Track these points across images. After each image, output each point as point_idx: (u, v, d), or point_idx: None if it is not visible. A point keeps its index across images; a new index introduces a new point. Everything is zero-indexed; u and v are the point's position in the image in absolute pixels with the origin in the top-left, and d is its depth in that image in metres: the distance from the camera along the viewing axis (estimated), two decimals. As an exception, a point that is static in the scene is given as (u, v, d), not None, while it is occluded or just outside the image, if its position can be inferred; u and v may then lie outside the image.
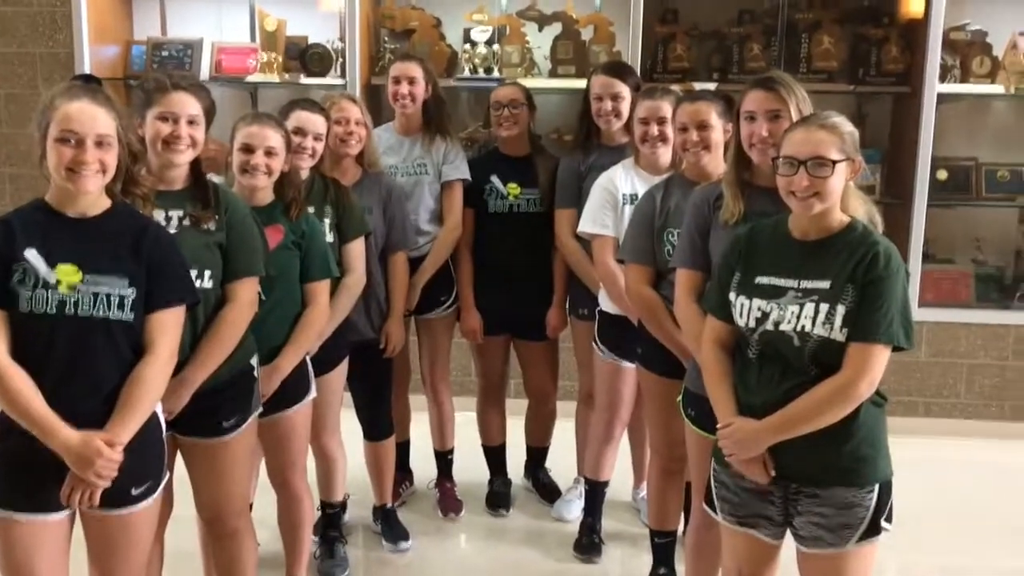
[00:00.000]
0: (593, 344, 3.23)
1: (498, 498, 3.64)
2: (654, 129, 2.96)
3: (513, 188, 3.44)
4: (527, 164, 3.48)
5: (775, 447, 2.02)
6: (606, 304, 3.14)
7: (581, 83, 4.42)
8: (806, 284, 2.00)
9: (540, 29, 4.58)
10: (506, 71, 4.53)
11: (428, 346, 3.60)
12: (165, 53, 4.63)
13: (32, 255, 1.91)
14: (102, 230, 1.97)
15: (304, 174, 2.83)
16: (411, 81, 3.39)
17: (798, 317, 1.98)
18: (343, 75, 4.45)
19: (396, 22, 4.61)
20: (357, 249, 2.93)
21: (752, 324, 2.04)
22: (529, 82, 4.42)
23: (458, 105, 4.74)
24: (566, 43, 4.53)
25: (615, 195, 3.04)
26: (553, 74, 4.56)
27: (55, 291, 1.90)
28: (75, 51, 4.42)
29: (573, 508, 3.53)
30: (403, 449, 3.65)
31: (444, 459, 3.68)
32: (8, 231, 1.94)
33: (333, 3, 4.66)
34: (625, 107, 3.24)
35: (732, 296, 2.10)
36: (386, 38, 4.62)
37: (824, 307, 1.97)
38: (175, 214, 2.27)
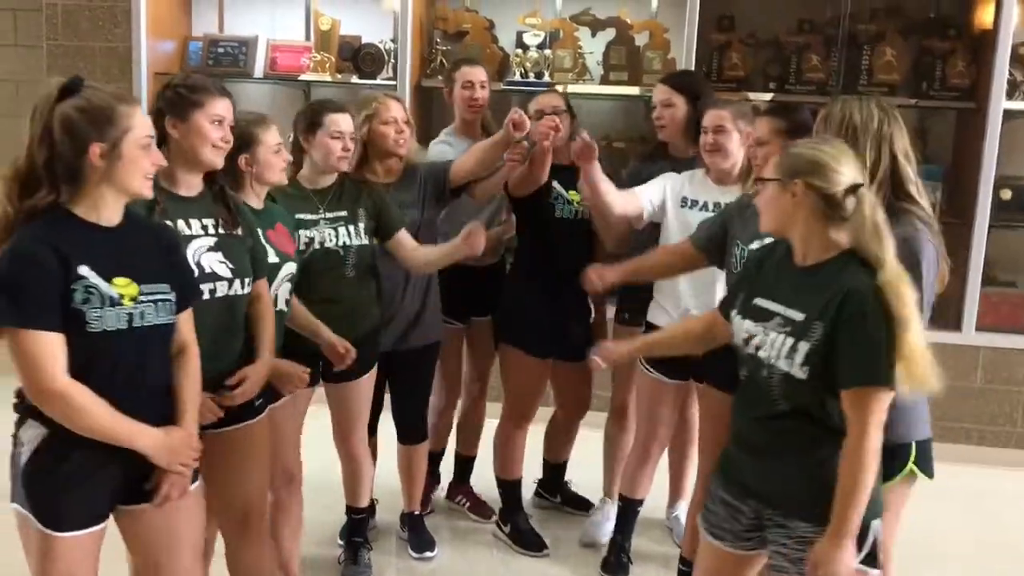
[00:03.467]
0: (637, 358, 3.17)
1: (533, 537, 3.41)
2: (709, 138, 2.90)
3: (575, 195, 3.31)
4: (576, 172, 3.43)
5: (743, 465, 2.07)
6: (656, 316, 3.07)
7: (634, 90, 4.42)
8: (789, 312, 1.97)
9: (593, 34, 4.53)
10: (557, 76, 4.48)
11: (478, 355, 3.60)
12: (221, 50, 4.68)
13: (87, 272, 1.84)
14: (130, 238, 1.96)
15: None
16: (483, 85, 3.44)
17: (771, 345, 1.97)
18: (395, 76, 4.45)
19: (449, 23, 4.60)
20: (405, 238, 2.93)
21: (740, 344, 2.06)
22: (581, 88, 4.42)
23: (508, 109, 4.69)
24: (619, 49, 4.47)
25: (673, 187, 3.02)
26: (605, 80, 4.50)
27: (121, 306, 1.87)
28: (133, 46, 4.49)
29: (604, 530, 3.43)
30: (436, 459, 3.64)
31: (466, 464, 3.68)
32: (56, 250, 1.81)
33: (388, 3, 4.66)
34: (675, 116, 3.17)
35: (734, 313, 2.11)
36: (438, 39, 4.61)
37: (790, 341, 1.93)
38: (208, 222, 2.27)
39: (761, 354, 1.98)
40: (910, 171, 2.24)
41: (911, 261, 2.04)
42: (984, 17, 4.30)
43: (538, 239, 3.32)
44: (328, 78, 4.55)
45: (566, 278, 3.28)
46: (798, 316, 1.94)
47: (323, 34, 4.62)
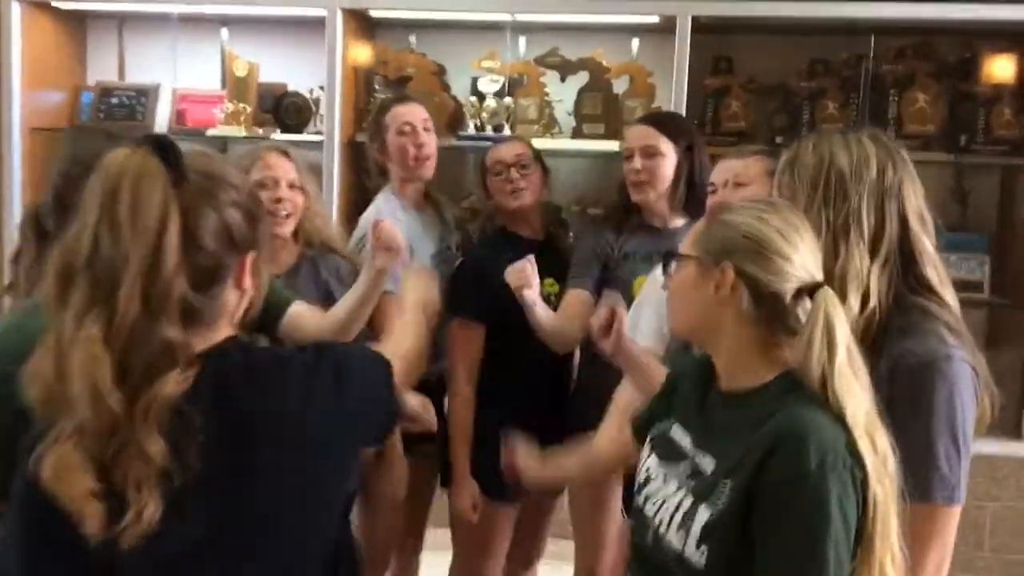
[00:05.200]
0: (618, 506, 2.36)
1: None
2: (719, 197, 2.12)
3: (550, 284, 2.56)
4: (552, 249, 2.63)
5: None
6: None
7: (612, 145, 3.62)
8: (698, 458, 1.35)
9: (563, 79, 3.76)
10: (521, 128, 3.71)
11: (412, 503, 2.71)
12: (115, 100, 3.90)
13: None
14: None
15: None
16: (427, 128, 2.63)
17: (665, 501, 1.35)
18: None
19: (390, 67, 3.82)
20: (303, 309, 2.17)
21: (638, 484, 1.45)
22: (549, 143, 3.62)
23: (461, 169, 3.92)
24: (594, 96, 3.70)
25: None
26: (578, 134, 3.73)
27: None
28: (2, 96, 3.69)
29: None
30: None
31: None
32: None
33: (320, 45, 3.89)
34: (663, 169, 2.39)
35: (648, 437, 1.50)
36: (377, 86, 3.83)
37: (688, 502, 1.31)
38: None
39: (649, 509, 1.36)
40: (926, 243, 1.47)
41: (928, 402, 1.35)
42: (1034, 57, 3.57)
43: (499, 347, 2.52)
44: (243, 132, 3.76)
45: (536, 395, 2.51)
46: (707, 466, 1.31)
47: (238, 81, 3.84)
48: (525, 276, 2.27)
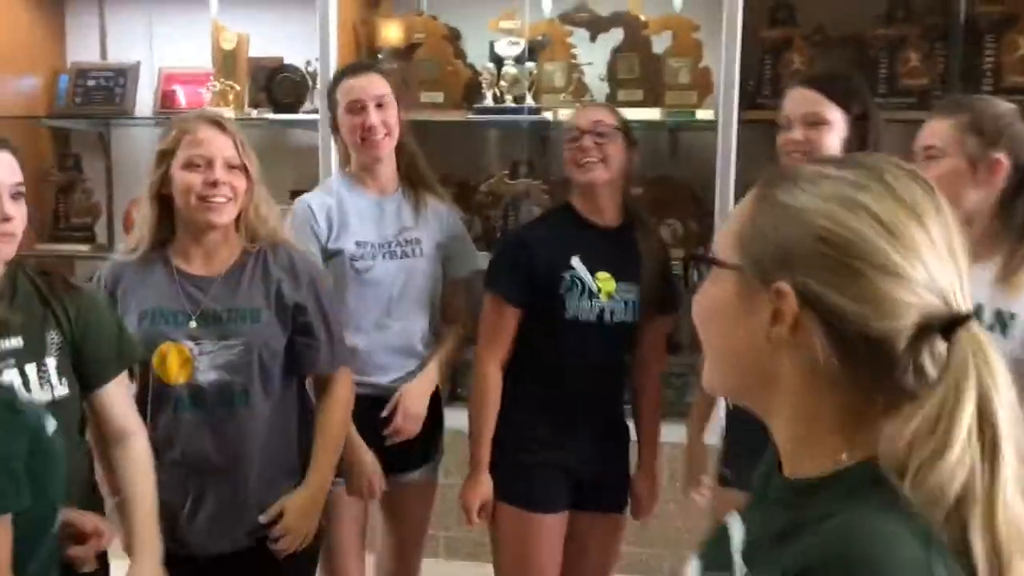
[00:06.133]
0: None
1: None
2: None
3: (605, 280, 2.15)
4: (624, 239, 2.19)
5: None
6: None
7: (653, 113, 3.10)
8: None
9: (593, 38, 3.22)
10: (546, 99, 3.20)
11: (395, 526, 2.37)
12: (92, 82, 3.48)
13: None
14: None
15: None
16: (379, 103, 2.20)
17: None
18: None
19: (394, 34, 3.34)
20: (119, 396, 1.75)
21: None
22: (578, 113, 3.09)
23: (480, 146, 3.43)
24: (630, 57, 3.16)
25: None
26: (612, 101, 3.19)
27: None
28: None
29: None
30: None
31: None
32: None
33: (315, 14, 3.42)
34: (829, 141, 1.91)
35: None
36: (380, 57, 3.35)
37: None
38: None
39: None
40: None
41: None
42: None
43: (542, 349, 2.20)
44: (231, 113, 3.31)
45: (582, 413, 2.18)
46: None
47: (226, 55, 3.39)
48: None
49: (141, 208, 1.87)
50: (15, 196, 1.59)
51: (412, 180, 2.34)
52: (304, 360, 1.95)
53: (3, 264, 1.61)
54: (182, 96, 3.53)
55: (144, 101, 3.53)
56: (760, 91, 3.14)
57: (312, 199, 2.28)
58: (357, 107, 2.19)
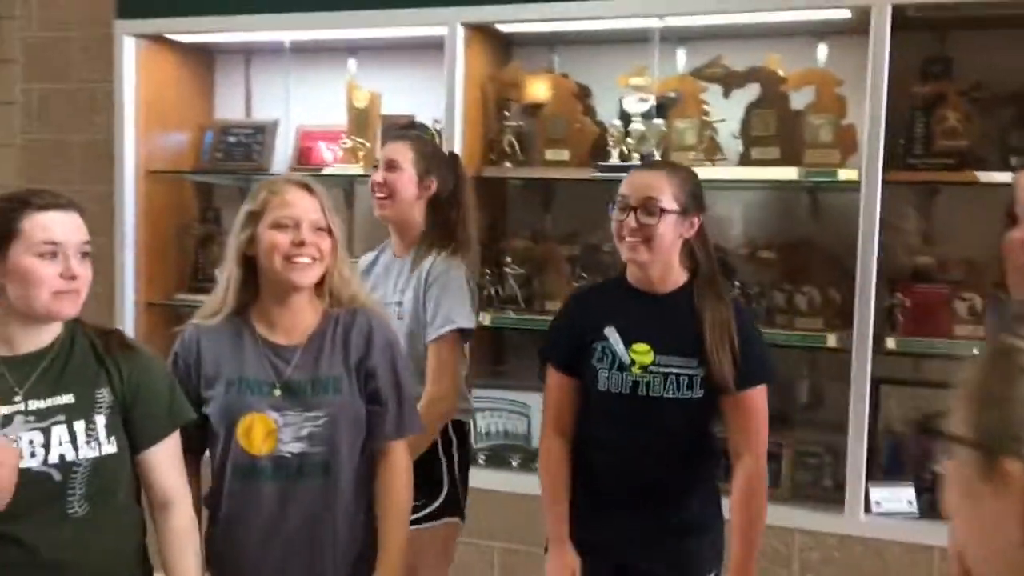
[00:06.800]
0: None
1: None
2: None
3: (641, 351, 2.00)
4: (679, 308, 2.02)
5: None
6: None
7: (790, 172, 2.91)
8: None
9: (727, 94, 3.07)
10: (676, 156, 3.06)
11: None
12: (232, 139, 3.62)
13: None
14: None
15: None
16: (390, 166, 2.34)
17: None
18: (447, 164, 3.20)
19: (522, 91, 3.31)
20: (166, 460, 1.73)
21: None
22: (710, 171, 2.97)
23: (606, 205, 3.31)
24: (767, 114, 3.00)
25: None
26: (746, 160, 3.03)
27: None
28: (115, 138, 3.48)
29: None
30: None
31: None
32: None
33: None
34: None
35: None
36: (507, 114, 3.32)
37: None
38: None
39: None
40: None
41: None
42: None
43: (583, 420, 2.11)
44: (360, 170, 3.35)
45: (627, 485, 2.04)
46: None
47: (358, 113, 3.45)
48: None
49: (225, 270, 1.86)
50: (83, 255, 1.61)
51: (430, 240, 2.38)
52: (371, 428, 1.88)
53: (64, 321, 1.63)
54: (318, 152, 3.61)
55: (282, 157, 3.62)
56: (911, 150, 2.90)
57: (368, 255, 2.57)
58: (374, 174, 2.44)
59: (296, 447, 1.79)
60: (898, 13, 2.70)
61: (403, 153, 2.39)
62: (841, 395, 2.81)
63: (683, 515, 2.05)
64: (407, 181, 2.37)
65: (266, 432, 1.78)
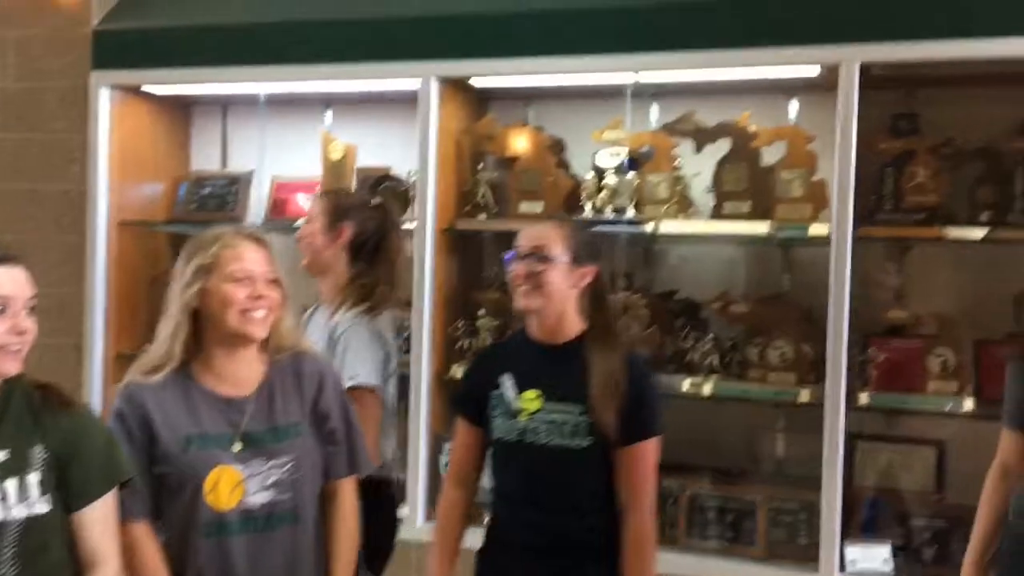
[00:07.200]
0: None
1: None
2: None
3: (530, 397, 2.02)
4: (572, 357, 2.02)
5: None
6: None
7: (761, 227, 2.93)
8: None
9: (698, 149, 3.10)
10: (649, 209, 3.08)
11: None
12: (206, 190, 3.62)
13: None
14: None
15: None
16: (308, 219, 2.51)
17: None
18: (423, 217, 3.21)
19: (496, 144, 3.32)
20: (99, 520, 1.64)
21: None
22: (681, 226, 2.99)
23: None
24: (737, 168, 3.02)
25: None
26: (718, 214, 3.04)
27: None
28: (88, 188, 3.47)
29: None
30: None
31: None
32: None
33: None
34: None
35: None
36: (481, 166, 3.33)
37: None
38: None
39: None
40: None
41: None
42: None
43: (489, 469, 2.17)
44: (332, 222, 3.34)
45: (525, 533, 2.04)
46: None
47: (333, 165, 3.45)
48: None
49: (168, 324, 1.82)
50: (30, 310, 1.58)
51: (347, 291, 2.41)
52: (326, 468, 1.88)
53: (3, 378, 1.59)
54: (293, 204, 3.61)
55: (256, 208, 3.61)
56: (881, 206, 2.92)
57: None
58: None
59: (263, 496, 1.78)
60: (866, 70, 2.74)
61: (315, 204, 2.52)
62: (815, 450, 2.78)
63: (587, 560, 2.01)
64: (316, 230, 2.45)
65: (232, 485, 1.76)
